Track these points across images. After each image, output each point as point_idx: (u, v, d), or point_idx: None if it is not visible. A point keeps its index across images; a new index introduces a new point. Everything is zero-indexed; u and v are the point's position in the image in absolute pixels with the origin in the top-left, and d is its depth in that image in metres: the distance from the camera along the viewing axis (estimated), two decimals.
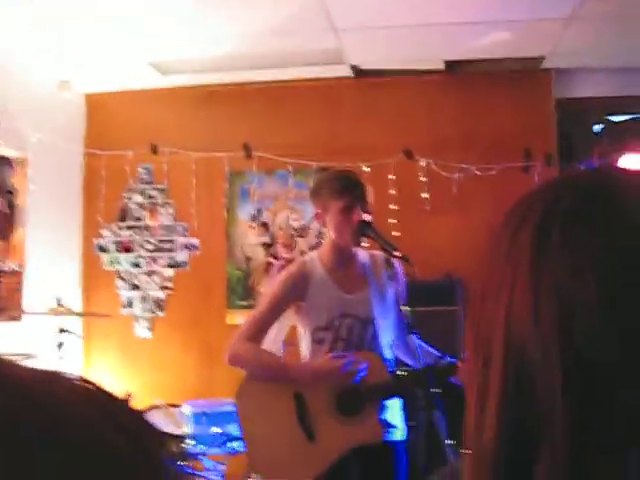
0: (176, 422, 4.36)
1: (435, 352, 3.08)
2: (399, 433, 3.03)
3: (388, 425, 2.97)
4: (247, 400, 2.98)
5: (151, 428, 0.48)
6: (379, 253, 3.15)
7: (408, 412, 3.05)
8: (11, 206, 1.69)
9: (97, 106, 6.00)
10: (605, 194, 0.63)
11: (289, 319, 3.27)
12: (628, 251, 0.58)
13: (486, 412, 0.62)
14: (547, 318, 0.59)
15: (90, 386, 0.47)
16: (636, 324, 0.56)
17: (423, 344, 3.13)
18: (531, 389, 0.59)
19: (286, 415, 2.92)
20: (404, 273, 2.95)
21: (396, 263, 3.10)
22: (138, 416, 0.48)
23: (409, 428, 3.06)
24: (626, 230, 0.60)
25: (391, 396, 2.98)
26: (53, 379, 0.45)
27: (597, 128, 5.41)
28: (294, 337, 3.25)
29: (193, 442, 4.01)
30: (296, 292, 2.98)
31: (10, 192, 1.67)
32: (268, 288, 3.12)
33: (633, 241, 0.59)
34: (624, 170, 0.67)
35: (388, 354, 3.03)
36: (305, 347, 3.06)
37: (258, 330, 2.99)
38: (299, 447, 2.89)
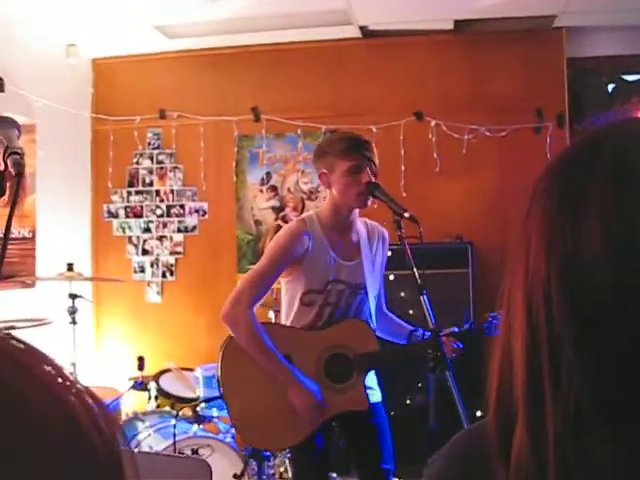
0: (189, 385, 4.40)
1: (407, 325, 3.13)
2: (376, 394, 3.07)
3: (365, 388, 2.99)
4: (233, 360, 2.92)
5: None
6: (375, 223, 3.15)
7: (416, 373, 3.08)
8: (20, 170, 1.67)
9: (104, 71, 5.97)
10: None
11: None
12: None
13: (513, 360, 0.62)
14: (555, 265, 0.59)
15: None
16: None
17: (396, 318, 3.18)
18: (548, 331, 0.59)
19: (273, 378, 2.88)
20: (410, 234, 2.90)
21: (384, 232, 3.11)
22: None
23: (413, 388, 3.09)
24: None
25: (379, 365, 2.99)
26: None
27: (610, 87, 5.34)
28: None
29: (205, 405, 4.05)
30: (297, 252, 2.90)
31: (17, 154, 1.65)
32: (270, 245, 2.98)
33: None
34: None
35: (373, 322, 3.05)
36: (289, 308, 3.01)
37: (259, 290, 2.89)
38: (285, 411, 2.86)
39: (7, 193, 1.68)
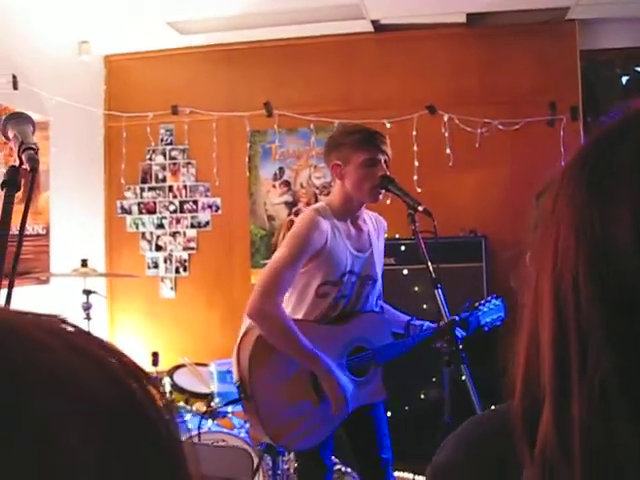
0: (203, 381, 4.41)
1: (404, 316, 3.13)
2: None
3: None
4: (261, 359, 2.85)
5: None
6: (375, 213, 3.14)
7: (431, 367, 3.08)
8: (35, 166, 1.68)
9: (116, 68, 5.99)
10: None
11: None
12: None
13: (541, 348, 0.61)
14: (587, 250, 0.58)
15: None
16: None
17: (392, 309, 3.17)
18: (576, 322, 0.58)
19: (299, 376, 2.86)
20: (424, 229, 2.88)
21: (382, 221, 3.10)
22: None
23: (428, 381, 3.10)
24: None
25: (395, 356, 2.99)
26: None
27: (624, 79, 5.30)
28: None
29: (219, 400, 4.06)
30: (318, 242, 2.83)
31: (32, 149, 1.66)
32: (290, 236, 2.87)
33: None
34: None
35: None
36: (301, 299, 2.95)
37: (284, 283, 2.81)
38: (310, 409, 2.85)
39: (22, 189, 1.68)
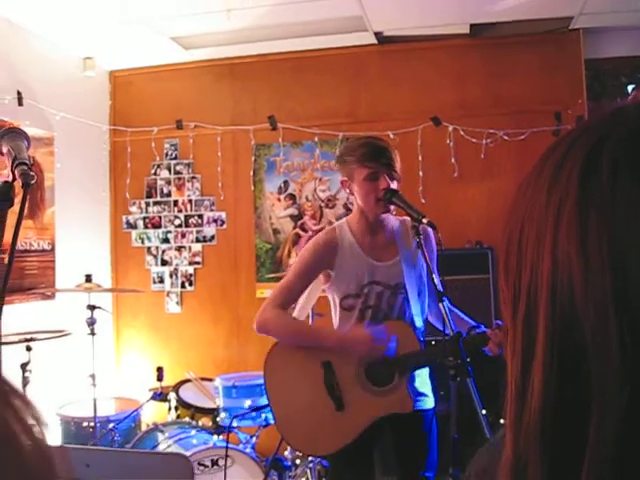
0: (209, 396, 4.39)
1: (469, 320, 3.04)
2: (429, 401, 3.02)
3: (418, 394, 2.96)
4: (275, 370, 2.96)
5: None
6: (409, 219, 3.10)
7: (438, 381, 3.04)
8: (28, 181, 1.66)
9: (121, 83, 6.00)
10: None
11: (318, 288, 3.26)
12: None
13: (531, 371, 0.58)
14: (596, 259, 0.54)
15: None
16: None
17: (458, 311, 3.10)
18: (580, 342, 0.54)
19: (314, 384, 2.90)
20: (436, 240, 2.89)
21: (428, 229, 3.06)
22: None
23: (439, 397, 3.05)
24: None
25: (421, 366, 2.96)
26: None
27: (630, 88, 5.28)
28: (323, 307, 3.24)
29: (225, 415, 4.03)
30: (325, 260, 2.95)
31: (26, 164, 1.65)
32: (298, 255, 3.06)
33: None
34: None
35: (418, 322, 3.00)
36: (335, 314, 3.05)
37: (287, 298, 2.97)
38: (327, 417, 2.87)
39: (20, 203, 1.67)
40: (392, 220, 3.06)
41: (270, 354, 2.98)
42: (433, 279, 2.70)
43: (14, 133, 1.82)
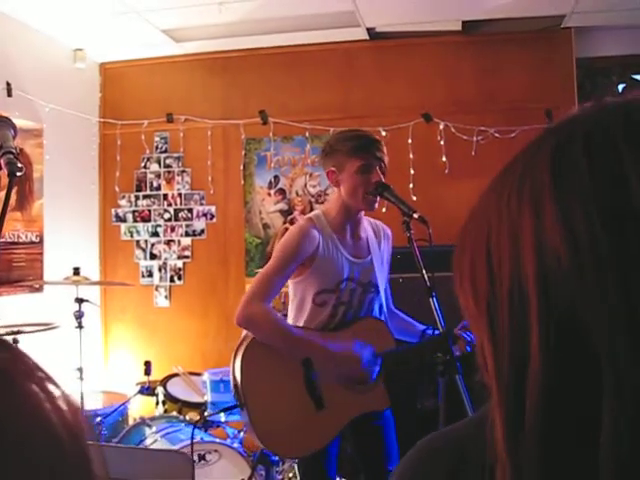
0: (197, 390, 4.38)
1: (416, 323, 3.08)
2: None
3: None
4: (252, 366, 2.80)
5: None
6: (378, 221, 3.12)
7: (428, 377, 3.04)
8: (14, 170, 1.64)
9: (112, 76, 5.97)
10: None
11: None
12: None
13: (527, 377, 0.56)
14: (585, 237, 0.54)
15: None
16: None
17: (405, 317, 3.13)
18: (583, 330, 0.54)
19: (293, 381, 2.81)
20: (420, 237, 2.86)
21: (387, 230, 3.08)
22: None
23: (424, 392, 3.05)
24: None
25: (397, 363, 2.95)
26: None
27: (621, 87, 5.29)
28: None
29: (213, 410, 4.02)
30: (308, 251, 2.83)
31: (12, 153, 1.62)
32: (279, 245, 2.90)
33: None
34: None
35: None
36: (300, 309, 2.93)
37: (270, 290, 2.81)
38: (306, 418, 2.80)
39: (4, 193, 1.66)
40: (365, 220, 3.04)
41: (247, 349, 2.81)
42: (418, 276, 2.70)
43: (0, 122, 1.80)
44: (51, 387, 0.46)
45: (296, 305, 2.97)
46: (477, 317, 0.62)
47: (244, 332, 2.92)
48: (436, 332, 2.85)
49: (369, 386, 2.88)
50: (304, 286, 2.91)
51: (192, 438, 3.12)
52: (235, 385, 2.80)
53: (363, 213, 2.98)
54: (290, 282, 2.96)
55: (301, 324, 2.94)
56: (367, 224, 3.06)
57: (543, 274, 0.56)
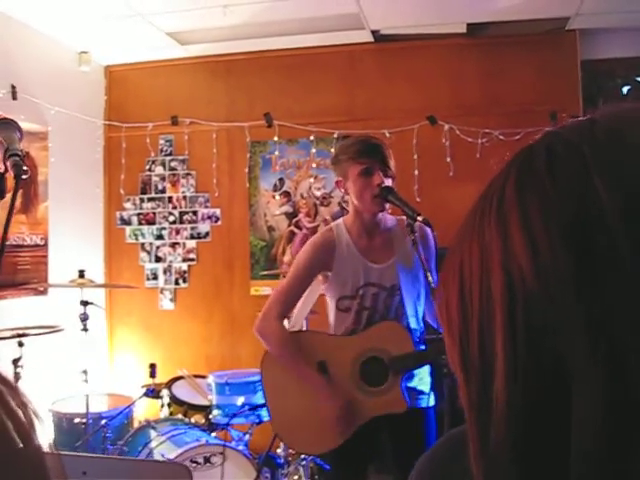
0: (201, 393, 4.37)
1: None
2: (428, 399, 3.01)
3: (417, 392, 2.95)
4: (271, 369, 2.97)
5: None
6: (403, 218, 3.09)
7: (434, 379, 3.03)
8: (20, 172, 1.64)
9: (117, 78, 5.98)
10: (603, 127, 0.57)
11: (316, 290, 3.26)
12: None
13: (493, 385, 0.56)
14: (546, 256, 0.53)
15: None
16: None
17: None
18: (548, 337, 0.53)
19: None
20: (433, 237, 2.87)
21: (425, 228, 3.04)
22: None
23: (437, 394, 3.04)
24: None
25: (414, 367, 2.95)
26: None
27: (625, 89, 5.28)
28: (320, 306, 3.23)
29: (218, 412, 4.02)
30: (323, 261, 2.93)
31: (18, 155, 1.63)
32: (296, 258, 3.05)
33: None
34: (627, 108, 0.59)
35: (413, 323, 2.99)
36: (331, 314, 3.04)
37: (288, 303, 2.98)
38: (322, 416, 2.86)
39: (11, 195, 1.66)
40: (388, 220, 3.03)
41: (267, 353, 2.98)
42: (428, 278, 2.70)
43: (6, 124, 1.81)
44: (9, 398, 0.47)
45: (329, 310, 3.08)
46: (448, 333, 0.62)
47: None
48: None
49: (384, 389, 2.88)
50: (329, 293, 3.02)
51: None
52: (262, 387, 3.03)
53: (380, 215, 2.98)
54: (322, 288, 3.08)
55: (332, 329, 3.04)
56: (393, 223, 3.04)
57: (510, 294, 0.55)
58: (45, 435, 0.50)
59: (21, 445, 0.45)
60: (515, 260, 0.55)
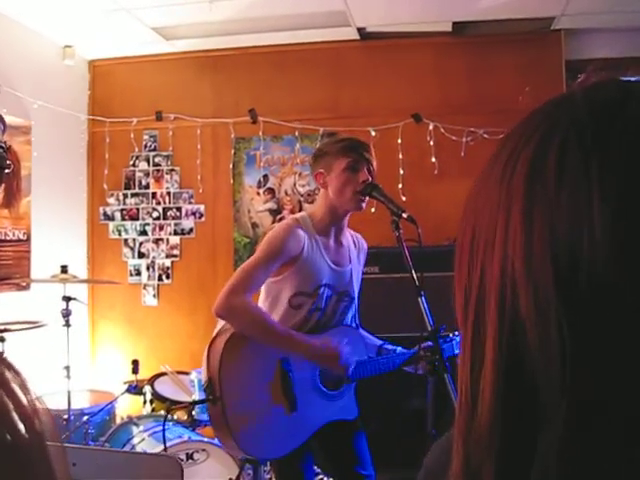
0: (184, 389, 4.36)
1: (377, 341, 3.09)
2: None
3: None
4: (230, 362, 2.74)
5: None
6: (357, 234, 3.12)
7: (415, 377, 3.03)
8: (2, 164, 1.62)
9: (101, 73, 5.95)
10: (615, 111, 0.54)
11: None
12: None
13: (481, 379, 0.56)
14: (541, 271, 0.52)
15: None
16: None
17: (366, 334, 3.14)
18: (527, 353, 0.52)
19: (270, 381, 2.79)
20: (409, 237, 2.85)
21: (363, 242, 3.08)
22: None
23: (414, 392, 3.06)
24: None
25: (371, 374, 2.93)
26: None
27: None
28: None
29: (201, 409, 4.01)
30: (294, 249, 2.79)
31: (1, 147, 1.60)
32: (266, 239, 2.84)
33: None
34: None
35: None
36: (273, 308, 2.88)
37: (250, 285, 2.75)
38: (279, 417, 2.78)
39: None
40: (346, 230, 3.03)
41: (227, 343, 2.75)
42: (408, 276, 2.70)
43: None
44: (13, 382, 0.47)
45: (268, 305, 2.91)
46: (457, 309, 0.62)
47: (219, 326, 2.90)
48: (396, 348, 2.88)
49: (339, 393, 2.89)
50: (281, 286, 2.86)
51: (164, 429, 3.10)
52: (210, 378, 2.74)
53: (347, 219, 2.97)
54: (269, 281, 2.90)
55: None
56: (349, 234, 3.06)
57: (502, 285, 0.55)
58: (47, 420, 0.49)
59: (23, 429, 0.44)
60: (512, 254, 0.55)
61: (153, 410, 4.30)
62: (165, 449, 3.31)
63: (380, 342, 3.08)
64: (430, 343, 2.70)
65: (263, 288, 2.91)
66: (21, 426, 0.44)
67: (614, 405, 0.50)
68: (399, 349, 3.00)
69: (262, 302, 2.94)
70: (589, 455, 0.50)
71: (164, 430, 3.41)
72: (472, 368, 0.57)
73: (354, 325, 3.05)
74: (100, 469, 1.89)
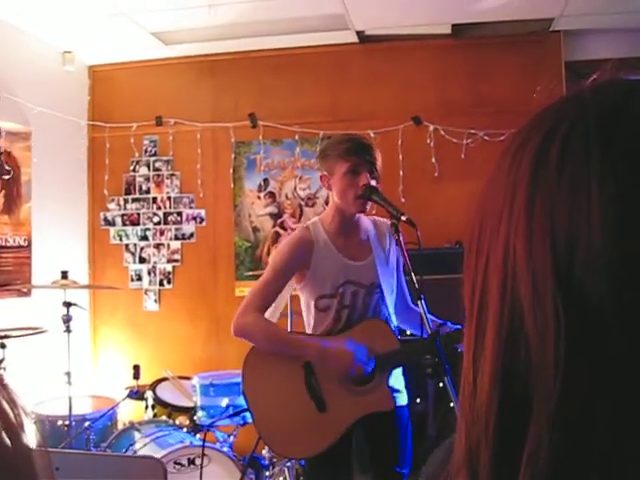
0: (186, 394, 4.35)
1: (437, 319, 3.03)
2: (402, 397, 3.01)
3: (393, 390, 2.94)
4: (254, 370, 2.90)
5: None
6: (383, 220, 3.09)
7: (416, 380, 3.02)
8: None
9: (101, 78, 5.95)
10: (621, 107, 0.55)
11: (289, 289, 3.22)
12: None
13: (480, 364, 0.57)
14: (541, 255, 0.53)
15: None
16: None
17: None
18: (524, 336, 0.53)
19: (294, 385, 2.86)
20: (409, 240, 2.85)
21: (385, 225, 3.06)
22: None
23: (412, 393, 3.03)
24: None
25: (401, 364, 2.95)
26: None
27: None
28: (298, 306, 3.20)
29: (203, 414, 4.00)
30: (301, 259, 2.89)
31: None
32: (272, 256, 3.02)
33: None
34: None
35: (394, 321, 2.99)
36: (308, 315, 3.00)
37: (265, 300, 2.90)
38: (309, 418, 2.83)
39: None
40: (365, 220, 3.04)
41: (249, 354, 2.91)
42: (408, 279, 2.69)
43: None
44: None
45: (304, 311, 3.03)
46: (465, 297, 0.63)
47: None
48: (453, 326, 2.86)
49: (371, 387, 2.87)
50: (306, 292, 2.97)
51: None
52: (242, 391, 2.94)
53: (357, 215, 2.98)
54: (297, 287, 3.02)
55: (310, 329, 2.99)
56: (369, 224, 3.05)
57: (505, 268, 0.56)
58: (33, 433, 0.49)
59: (9, 443, 0.44)
60: (513, 237, 0.56)
61: (155, 415, 4.29)
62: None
63: (440, 321, 3.01)
64: (449, 323, 2.77)
65: (300, 295, 3.04)
66: (8, 442, 0.44)
67: (608, 396, 0.50)
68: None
69: (303, 312, 3.04)
70: (578, 441, 0.51)
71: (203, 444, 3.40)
72: (475, 349, 0.59)
73: (389, 316, 3.00)
74: (84, 473, 1.89)
